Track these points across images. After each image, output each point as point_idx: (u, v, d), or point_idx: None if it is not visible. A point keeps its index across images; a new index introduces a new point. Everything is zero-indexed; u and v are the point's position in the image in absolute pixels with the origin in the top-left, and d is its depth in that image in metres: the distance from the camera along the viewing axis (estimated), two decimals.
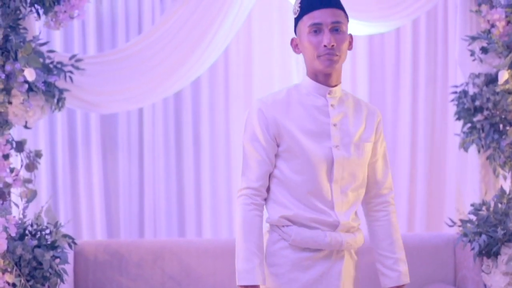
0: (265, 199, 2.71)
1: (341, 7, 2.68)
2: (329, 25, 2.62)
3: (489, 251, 4.06)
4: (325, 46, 2.61)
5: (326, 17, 2.62)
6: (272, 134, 2.66)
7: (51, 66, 4.40)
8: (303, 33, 2.67)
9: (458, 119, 4.67)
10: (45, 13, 4.36)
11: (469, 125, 4.62)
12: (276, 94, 2.74)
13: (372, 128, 2.76)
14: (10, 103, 4.23)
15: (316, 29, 2.62)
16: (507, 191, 4.24)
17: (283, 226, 2.69)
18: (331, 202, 2.67)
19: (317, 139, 2.65)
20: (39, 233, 4.02)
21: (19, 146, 4.38)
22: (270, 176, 2.70)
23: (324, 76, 2.68)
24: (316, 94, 2.70)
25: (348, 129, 2.70)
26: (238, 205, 2.67)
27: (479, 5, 4.54)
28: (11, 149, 4.29)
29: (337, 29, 2.63)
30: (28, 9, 4.33)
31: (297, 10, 2.69)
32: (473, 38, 4.47)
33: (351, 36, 2.72)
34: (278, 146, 2.67)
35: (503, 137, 4.45)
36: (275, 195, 2.69)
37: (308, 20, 2.64)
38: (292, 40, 2.75)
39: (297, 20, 2.70)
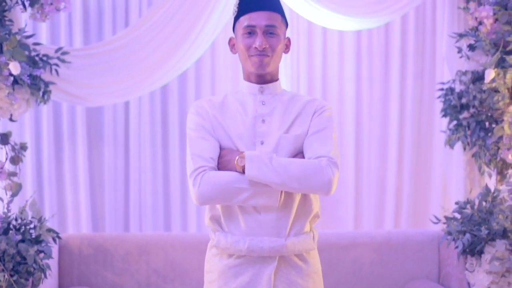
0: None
1: (278, 11, 2.72)
2: (263, 28, 2.67)
3: (473, 250, 4.07)
4: (256, 48, 2.65)
5: (260, 20, 2.66)
6: (211, 127, 2.69)
7: (36, 58, 4.37)
8: (238, 34, 2.72)
9: (444, 116, 4.68)
10: (31, 5, 4.33)
11: (455, 122, 4.63)
12: (213, 97, 2.81)
13: (308, 120, 2.73)
14: None
15: (250, 31, 2.68)
16: (492, 190, 4.25)
17: (214, 231, 2.73)
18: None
19: (242, 136, 2.68)
20: (23, 227, 4.01)
21: (4, 139, 4.35)
22: None
23: (256, 76, 2.73)
24: (248, 93, 2.75)
25: (277, 125, 2.70)
26: (205, 178, 2.60)
27: (467, 2, 4.55)
28: None
29: (271, 32, 2.68)
30: (14, 0, 4.30)
31: (235, 11, 2.74)
32: (461, 35, 4.47)
33: (288, 39, 2.78)
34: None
35: (489, 134, 4.46)
36: None
37: (244, 21, 2.69)
38: (230, 39, 2.80)
39: (235, 20, 2.74)
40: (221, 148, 2.68)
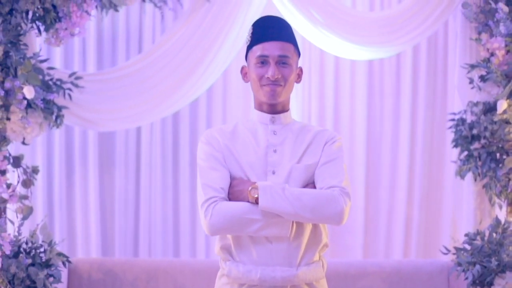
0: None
1: (291, 41, 2.71)
2: (275, 58, 2.65)
3: (483, 281, 4.06)
4: (268, 78, 2.65)
5: (273, 50, 2.65)
6: (221, 157, 2.68)
7: (50, 83, 4.40)
8: (251, 63, 2.71)
9: (455, 146, 4.67)
10: (46, 29, 4.38)
11: (466, 153, 4.62)
12: (223, 126, 2.81)
13: (319, 150, 2.72)
14: (8, 119, 4.23)
15: (263, 60, 2.66)
16: (502, 221, 4.24)
17: (224, 260, 2.71)
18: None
19: (254, 166, 2.67)
20: (33, 251, 4.02)
21: (16, 162, 4.37)
22: None
23: (268, 106, 2.73)
24: (259, 122, 2.75)
25: (289, 154, 2.70)
26: (217, 208, 2.59)
27: (479, 33, 4.56)
28: (8, 164, 4.28)
29: (284, 62, 2.67)
30: (29, 25, 4.34)
31: (248, 40, 2.73)
32: (472, 66, 4.49)
33: (300, 69, 2.77)
34: None
35: (500, 166, 4.46)
36: None
37: (256, 51, 2.68)
38: (243, 68, 2.79)
39: (247, 49, 2.73)
40: (231, 178, 2.70)
